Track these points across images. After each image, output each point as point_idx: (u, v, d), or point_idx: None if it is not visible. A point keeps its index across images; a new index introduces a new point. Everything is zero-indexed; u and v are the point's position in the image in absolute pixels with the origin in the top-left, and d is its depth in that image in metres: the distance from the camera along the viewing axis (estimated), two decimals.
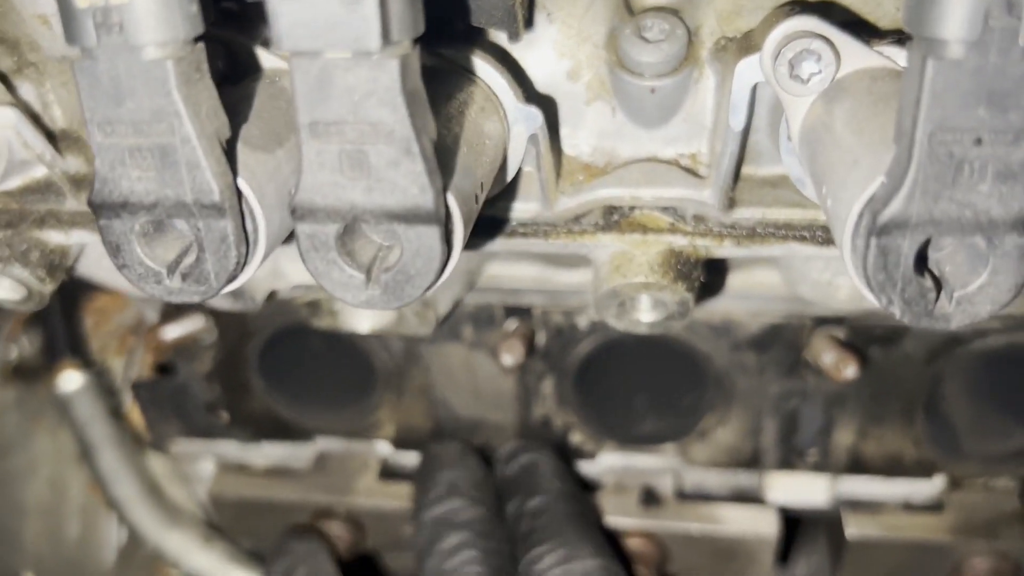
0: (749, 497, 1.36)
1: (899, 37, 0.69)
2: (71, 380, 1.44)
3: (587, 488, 1.34)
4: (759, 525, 1.30)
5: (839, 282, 1.00)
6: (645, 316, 0.86)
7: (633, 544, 1.31)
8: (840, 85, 0.66)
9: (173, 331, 1.33)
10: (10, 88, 0.81)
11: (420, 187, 0.55)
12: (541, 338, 1.23)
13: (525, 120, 0.74)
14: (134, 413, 1.49)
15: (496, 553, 1.19)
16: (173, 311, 1.34)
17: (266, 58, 0.72)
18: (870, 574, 1.30)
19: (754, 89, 0.71)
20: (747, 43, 0.73)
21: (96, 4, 0.52)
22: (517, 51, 0.79)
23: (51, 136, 0.83)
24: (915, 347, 1.18)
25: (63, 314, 1.48)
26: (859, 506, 1.33)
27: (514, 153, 0.76)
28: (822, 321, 1.16)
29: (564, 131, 0.83)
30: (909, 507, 1.32)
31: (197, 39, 0.56)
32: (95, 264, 1.01)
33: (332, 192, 0.56)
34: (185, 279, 0.61)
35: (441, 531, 1.21)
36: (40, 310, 0.89)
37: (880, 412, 1.25)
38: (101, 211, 0.59)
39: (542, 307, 1.20)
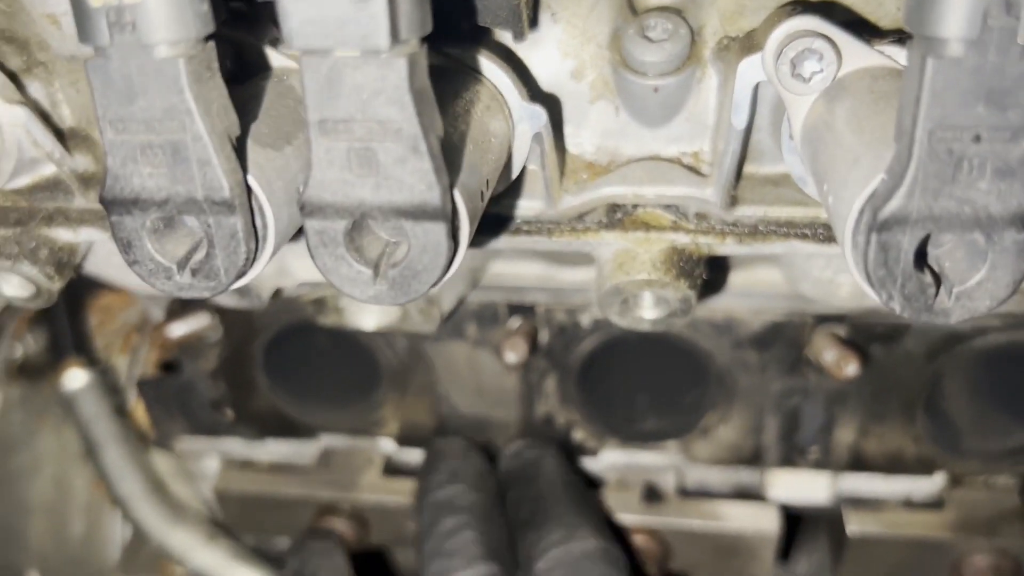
0: (751, 494, 1.37)
1: (900, 36, 0.69)
2: (76, 378, 1.45)
3: (590, 485, 1.35)
4: (760, 522, 1.31)
5: (840, 280, 1.00)
6: (648, 313, 0.87)
7: (636, 541, 1.31)
8: (841, 84, 0.67)
9: (179, 329, 1.34)
10: (20, 87, 0.82)
11: (427, 184, 0.56)
12: (544, 336, 1.24)
13: (530, 119, 0.75)
14: (138, 411, 1.50)
15: (495, 536, 1.20)
16: (178, 309, 1.34)
17: (274, 57, 0.73)
18: (871, 571, 1.31)
19: (756, 88, 0.71)
20: (749, 42, 0.73)
21: (109, 3, 0.53)
22: (522, 50, 0.80)
23: (60, 134, 0.84)
24: (916, 345, 1.18)
25: (68, 312, 1.49)
26: (860, 503, 1.34)
27: (519, 151, 0.77)
28: (823, 319, 1.17)
29: (568, 130, 0.84)
30: (910, 504, 1.33)
31: (208, 38, 0.56)
32: (103, 262, 1.02)
33: (341, 189, 0.57)
34: (195, 275, 0.62)
35: (441, 514, 1.22)
36: (45, 308, 0.90)
37: (881, 410, 1.25)
38: (113, 207, 0.60)
39: (545, 305, 1.21)
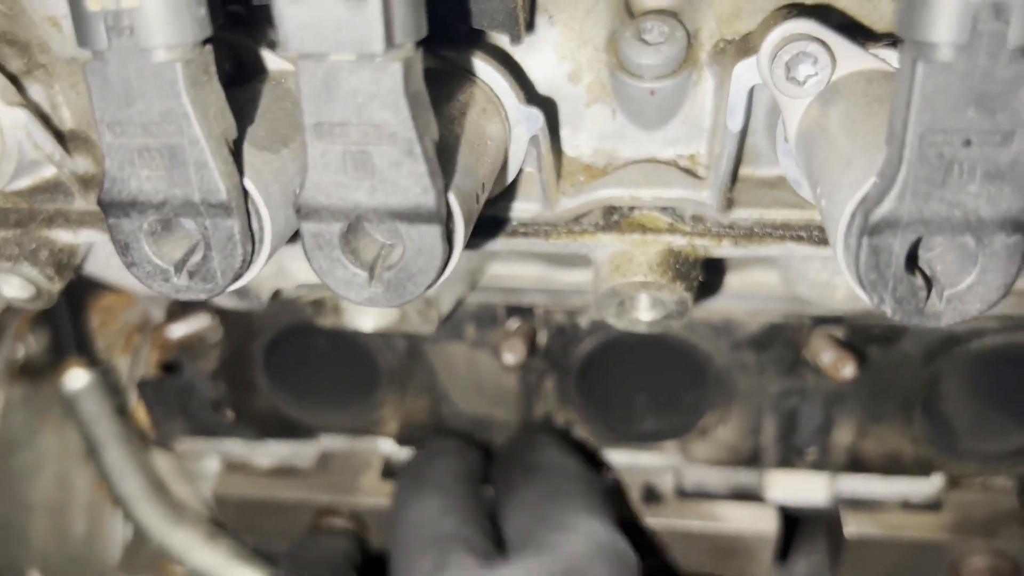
0: (749, 495, 1.38)
1: (894, 39, 0.69)
2: (77, 378, 1.46)
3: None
4: (759, 523, 1.32)
5: (837, 282, 1.01)
6: (644, 315, 0.87)
7: None
8: (835, 87, 0.67)
9: (179, 329, 1.34)
10: (20, 89, 0.82)
11: (422, 187, 0.56)
12: (543, 337, 1.24)
13: (526, 122, 0.75)
14: (140, 411, 1.51)
15: (469, 505, 1.20)
16: (179, 309, 1.35)
17: (272, 60, 0.73)
18: (869, 572, 1.31)
19: (752, 91, 0.72)
20: (745, 45, 0.74)
21: (107, 7, 0.53)
22: (519, 53, 0.80)
23: (60, 136, 0.84)
24: (913, 346, 1.19)
25: (70, 313, 1.50)
26: (858, 505, 1.34)
27: (515, 154, 0.78)
28: (821, 320, 1.17)
29: (565, 132, 0.84)
30: (907, 506, 1.33)
31: (205, 42, 0.57)
32: (103, 263, 1.02)
33: (336, 192, 0.58)
34: (192, 277, 0.62)
35: (417, 484, 1.23)
36: (47, 309, 0.90)
37: (879, 411, 1.25)
38: (110, 210, 0.61)
39: (544, 306, 1.22)
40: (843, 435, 1.28)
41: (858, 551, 1.30)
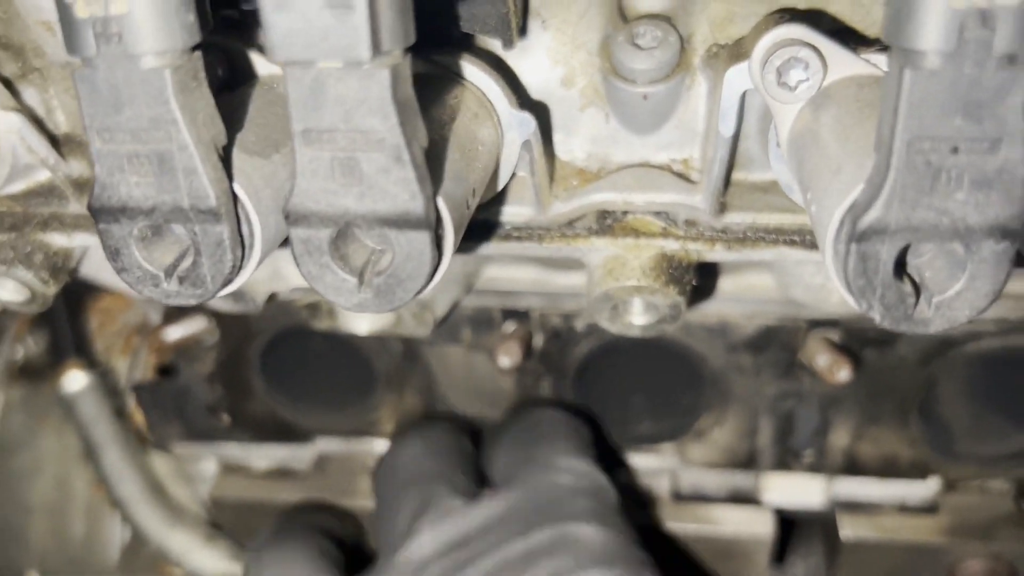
0: (745, 498, 1.37)
1: (886, 45, 0.70)
2: (76, 380, 1.46)
3: None
4: (755, 526, 1.31)
5: (831, 285, 1.00)
6: (637, 319, 0.87)
7: None
8: (827, 92, 0.67)
9: (175, 332, 1.35)
10: (14, 93, 0.82)
11: (410, 193, 0.56)
12: (539, 340, 1.25)
13: (519, 126, 0.75)
14: (138, 413, 1.51)
15: (453, 449, 1.22)
16: (175, 312, 1.35)
17: (264, 64, 0.73)
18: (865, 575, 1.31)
19: (744, 96, 0.72)
20: (738, 50, 0.74)
21: (96, 14, 0.53)
22: (512, 58, 0.80)
23: (54, 140, 0.85)
24: (909, 349, 1.18)
25: (68, 314, 1.50)
26: (854, 507, 1.34)
27: (508, 159, 0.78)
28: (816, 323, 1.17)
29: (558, 137, 0.84)
30: (904, 509, 1.33)
31: (194, 48, 0.57)
32: (98, 266, 1.02)
33: (325, 198, 0.58)
34: (182, 282, 0.62)
35: (402, 436, 1.24)
36: (45, 311, 0.91)
37: (875, 414, 1.25)
38: (100, 216, 0.61)
39: (540, 309, 1.22)
40: (839, 438, 1.28)
41: (854, 554, 1.30)
